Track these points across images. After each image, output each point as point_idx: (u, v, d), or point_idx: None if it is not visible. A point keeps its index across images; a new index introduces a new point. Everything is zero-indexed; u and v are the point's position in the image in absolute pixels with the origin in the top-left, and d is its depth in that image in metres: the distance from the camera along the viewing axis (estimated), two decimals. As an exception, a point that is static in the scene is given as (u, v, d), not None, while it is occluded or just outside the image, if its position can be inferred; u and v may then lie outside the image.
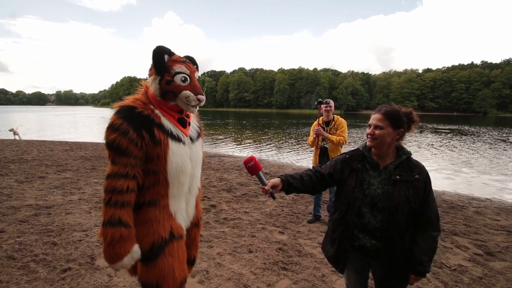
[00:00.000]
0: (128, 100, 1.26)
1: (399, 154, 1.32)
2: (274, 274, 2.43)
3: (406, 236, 1.26)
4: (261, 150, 12.03)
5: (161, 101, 1.29)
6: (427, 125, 29.97)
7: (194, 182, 1.41)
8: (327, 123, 3.53)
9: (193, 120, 1.45)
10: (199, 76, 1.38)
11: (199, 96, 1.28)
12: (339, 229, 1.38)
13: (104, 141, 1.18)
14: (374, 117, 1.32)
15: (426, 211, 1.27)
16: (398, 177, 1.26)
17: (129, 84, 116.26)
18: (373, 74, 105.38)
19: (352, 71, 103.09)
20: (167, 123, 1.27)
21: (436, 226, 1.28)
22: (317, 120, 3.49)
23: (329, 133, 3.45)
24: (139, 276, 1.26)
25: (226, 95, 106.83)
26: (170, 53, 1.28)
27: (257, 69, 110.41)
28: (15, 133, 12.92)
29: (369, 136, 1.33)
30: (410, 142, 14.99)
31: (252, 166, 1.34)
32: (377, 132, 1.30)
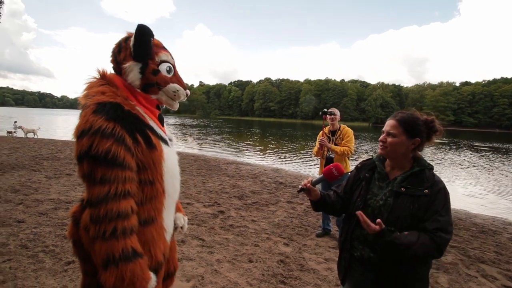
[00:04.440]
0: (106, 95, 0.96)
1: (413, 165, 1.20)
2: (271, 286, 2.33)
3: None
4: (281, 159, 11.90)
5: (142, 95, 1.07)
6: (464, 141, 27.87)
7: (179, 186, 1.23)
8: (333, 132, 3.43)
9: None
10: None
11: (187, 91, 1.17)
12: (341, 238, 1.35)
13: (81, 153, 0.87)
14: (388, 123, 1.22)
15: (434, 228, 1.07)
16: (403, 189, 1.15)
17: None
18: (404, 86, 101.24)
19: (382, 83, 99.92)
20: (152, 122, 1.08)
21: (439, 245, 1.06)
22: (322, 130, 3.42)
23: (334, 143, 3.36)
24: None
25: (251, 104, 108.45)
26: (153, 36, 1.07)
27: (283, 80, 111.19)
28: (24, 130, 14.35)
29: (380, 143, 1.23)
30: (442, 159, 13.99)
31: (335, 176, 1.29)
32: (389, 139, 1.19)
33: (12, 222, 3.15)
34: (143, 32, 1.01)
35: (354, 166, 1.44)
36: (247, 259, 2.77)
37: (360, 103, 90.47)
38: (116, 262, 0.86)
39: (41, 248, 2.63)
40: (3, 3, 8.60)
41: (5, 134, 14.45)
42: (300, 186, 1.29)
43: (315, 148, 3.52)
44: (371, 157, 1.39)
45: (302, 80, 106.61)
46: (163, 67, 1.08)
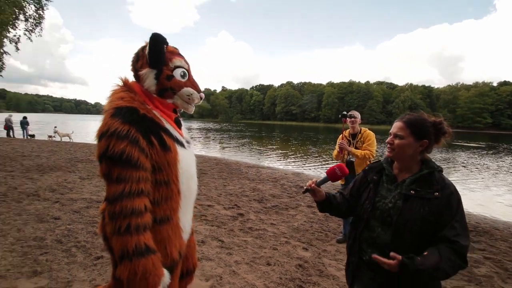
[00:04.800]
0: (123, 100, 1.04)
1: (422, 168, 1.19)
2: (289, 290, 2.32)
3: None
4: (303, 163, 11.77)
5: (158, 99, 1.14)
6: (503, 145, 25.69)
7: (196, 188, 1.29)
8: (353, 135, 3.34)
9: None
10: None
11: (201, 94, 1.22)
12: (350, 241, 1.33)
13: (100, 154, 0.96)
14: (395, 125, 1.22)
15: (452, 235, 1.05)
16: (412, 192, 1.14)
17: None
18: (435, 87, 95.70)
19: (411, 84, 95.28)
20: (168, 125, 1.13)
21: (463, 254, 1.03)
22: (341, 133, 3.35)
23: (355, 146, 3.27)
24: None
25: (273, 108, 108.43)
26: (167, 43, 1.13)
27: (305, 83, 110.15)
28: (59, 135, 15.77)
29: (388, 145, 1.23)
30: (478, 164, 13.03)
31: (338, 177, 1.28)
32: (396, 141, 1.19)
33: (49, 218, 3.42)
34: (156, 41, 1.08)
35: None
36: (265, 262, 2.77)
37: (387, 105, 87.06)
38: (129, 257, 0.91)
39: (73, 243, 2.83)
40: (43, 18, 9.46)
41: (46, 138, 15.77)
42: (305, 187, 1.30)
43: (335, 152, 3.46)
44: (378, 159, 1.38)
45: (325, 83, 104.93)
46: (177, 72, 1.13)
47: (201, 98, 1.23)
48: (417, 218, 1.09)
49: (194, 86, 1.20)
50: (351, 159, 3.31)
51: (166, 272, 1.00)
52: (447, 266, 1.01)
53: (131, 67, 1.17)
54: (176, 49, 1.20)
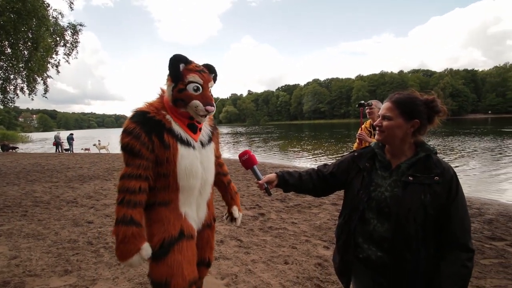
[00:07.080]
0: (143, 106, 1.34)
1: (417, 151, 1.09)
2: (305, 289, 2.23)
3: (422, 252, 0.99)
4: (331, 161, 11.40)
5: (173, 107, 1.34)
6: None
7: (206, 186, 1.43)
8: (374, 126, 3.13)
9: (206, 125, 1.48)
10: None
11: (208, 107, 1.31)
12: (342, 237, 1.22)
13: (119, 145, 1.28)
14: (383, 106, 1.14)
15: (449, 223, 0.99)
16: (411, 178, 1.03)
17: (220, 104, 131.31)
18: (480, 70, 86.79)
19: (451, 69, 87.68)
20: (177, 128, 1.32)
21: (464, 244, 0.98)
22: (360, 125, 3.16)
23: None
24: (149, 275, 1.29)
25: (300, 107, 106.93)
26: (187, 62, 1.33)
27: (332, 79, 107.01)
28: (97, 147, 17.26)
29: (377, 128, 1.14)
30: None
31: (246, 160, 1.31)
32: (384, 123, 1.10)
33: (84, 222, 3.71)
34: (172, 60, 1.31)
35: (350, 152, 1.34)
36: (283, 260, 2.71)
37: (425, 94, 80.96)
38: (117, 222, 1.17)
39: (102, 244, 3.03)
40: (78, 42, 10.42)
41: (83, 151, 17.40)
42: (264, 191, 1.27)
43: (355, 144, 3.29)
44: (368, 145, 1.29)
45: (353, 77, 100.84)
46: (190, 87, 1.31)
47: (207, 111, 1.32)
48: (419, 207, 0.99)
49: (203, 99, 1.32)
50: None
51: (146, 246, 1.21)
52: (462, 274, 0.97)
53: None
54: (195, 66, 1.36)
